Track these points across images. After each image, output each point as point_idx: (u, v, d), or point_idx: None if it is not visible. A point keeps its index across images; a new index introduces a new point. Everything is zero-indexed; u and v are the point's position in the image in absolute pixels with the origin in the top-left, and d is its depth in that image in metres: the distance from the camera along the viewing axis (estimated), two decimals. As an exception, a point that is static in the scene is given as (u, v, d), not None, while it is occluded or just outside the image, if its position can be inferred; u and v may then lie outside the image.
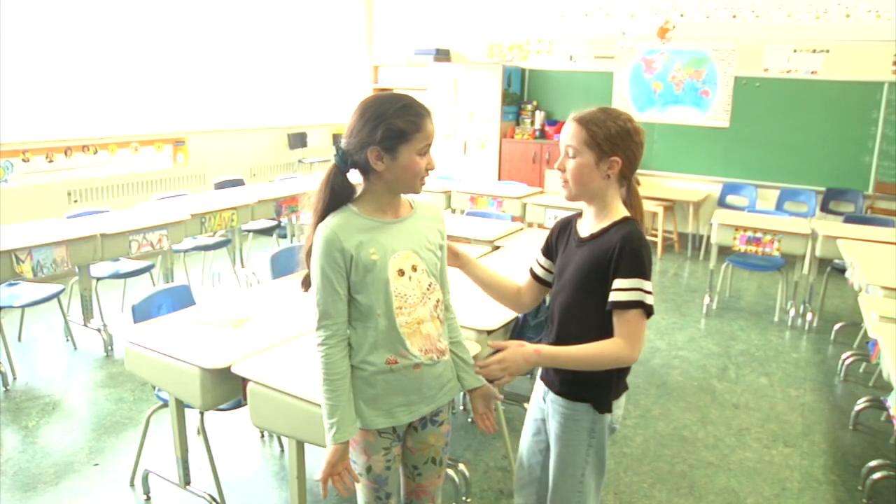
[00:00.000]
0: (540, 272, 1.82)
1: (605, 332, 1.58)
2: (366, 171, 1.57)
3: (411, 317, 1.58)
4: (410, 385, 1.60)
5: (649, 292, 1.54)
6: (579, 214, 1.75)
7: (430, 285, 1.62)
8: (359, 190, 1.61)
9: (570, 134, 1.62)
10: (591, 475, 1.68)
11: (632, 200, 1.67)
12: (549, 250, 1.80)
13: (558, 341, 1.69)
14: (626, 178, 1.65)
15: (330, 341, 1.55)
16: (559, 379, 1.69)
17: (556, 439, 1.70)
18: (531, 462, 1.83)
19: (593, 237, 1.63)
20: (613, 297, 1.53)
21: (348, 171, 1.58)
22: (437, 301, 1.65)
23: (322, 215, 1.57)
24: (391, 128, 1.50)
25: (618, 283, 1.53)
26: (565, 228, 1.76)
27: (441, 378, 1.66)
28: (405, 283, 1.57)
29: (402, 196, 1.65)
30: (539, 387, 1.81)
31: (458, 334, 1.77)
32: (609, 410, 1.66)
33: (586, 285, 1.61)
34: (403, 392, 1.60)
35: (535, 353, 1.55)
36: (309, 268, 1.59)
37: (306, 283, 1.62)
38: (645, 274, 1.54)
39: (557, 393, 1.69)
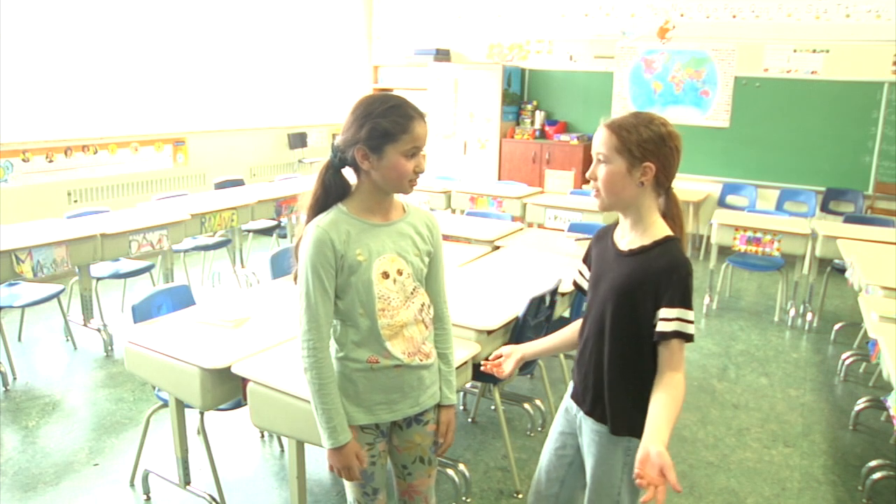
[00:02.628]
0: (585, 284, 1.75)
1: (634, 349, 1.55)
2: (356, 169, 1.57)
3: (394, 319, 1.58)
4: (391, 384, 1.61)
5: (690, 321, 1.51)
6: (616, 223, 1.68)
7: (414, 289, 1.62)
8: (352, 189, 1.61)
9: (600, 141, 1.55)
10: (627, 493, 1.64)
11: (671, 211, 1.60)
12: (589, 258, 1.75)
13: (586, 354, 1.65)
14: (664, 187, 1.57)
15: (318, 345, 1.54)
16: (595, 403, 1.63)
17: (590, 456, 1.66)
18: (551, 476, 1.79)
19: (633, 253, 1.57)
20: (660, 327, 1.50)
21: (341, 167, 1.58)
22: (423, 304, 1.64)
23: (313, 211, 1.58)
24: (376, 127, 1.50)
25: (664, 312, 1.50)
26: (603, 237, 1.70)
27: (424, 381, 1.66)
28: (389, 285, 1.57)
29: (396, 199, 1.64)
30: (570, 401, 1.76)
31: (448, 347, 1.75)
32: None
33: (622, 301, 1.56)
34: (384, 391, 1.61)
35: (659, 454, 1.35)
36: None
37: (296, 277, 1.62)
38: (688, 303, 1.51)
39: (594, 418, 1.64)
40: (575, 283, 1.82)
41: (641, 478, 1.33)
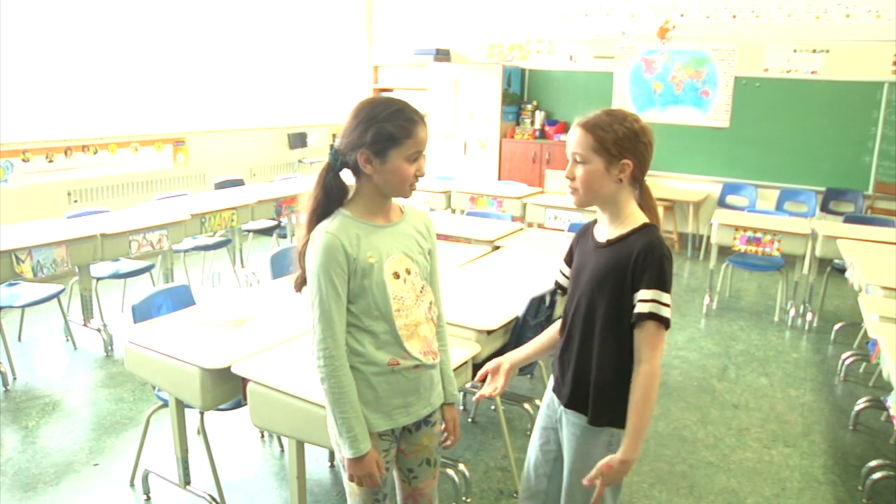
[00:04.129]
0: (566, 283, 1.77)
1: (616, 338, 1.56)
2: (357, 172, 1.57)
3: (409, 319, 1.58)
4: (409, 386, 1.60)
5: (667, 304, 1.50)
6: (596, 220, 1.71)
7: (422, 288, 1.63)
8: (351, 191, 1.60)
9: (575, 141, 1.58)
10: (609, 489, 1.63)
11: (646, 202, 1.63)
12: (571, 257, 1.77)
13: (567, 346, 1.67)
14: (638, 180, 1.61)
15: (336, 353, 1.52)
16: (575, 395, 1.64)
17: (571, 451, 1.67)
18: (539, 472, 1.79)
19: (611, 242, 1.59)
20: (636, 308, 1.51)
21: (340, 170, 1.57)
22: (430, 303, 1.66)
23: (315, 214, 1.57)
24: (381, 131, 1.50)
25: (640, 294, 1.51)
26: (584, 234, 1.73)
27: (434, 379, 1.67)
28: (401, 285, 1.58)
29: (393, 200, 1.64)
30: (551, 396, 1.76)
31: (446, 344, 1.75)
32: None
33: (602, 290, 1.57)
34: (402, 394, 1.60)
35: (622, 462, 1.52)
36: (303, 268, 1.58)
37: (300, 285, 1.61)
38: (664, 286, 1.51)
39: (574, 410, 1.65)
40: (556, 283, 1.83)
41: (593, 480, 1.53)
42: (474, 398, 1.86)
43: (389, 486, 1.69)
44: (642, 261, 1.51)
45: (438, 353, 1.68)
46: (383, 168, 1.52)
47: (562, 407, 1.69)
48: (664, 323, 1.51)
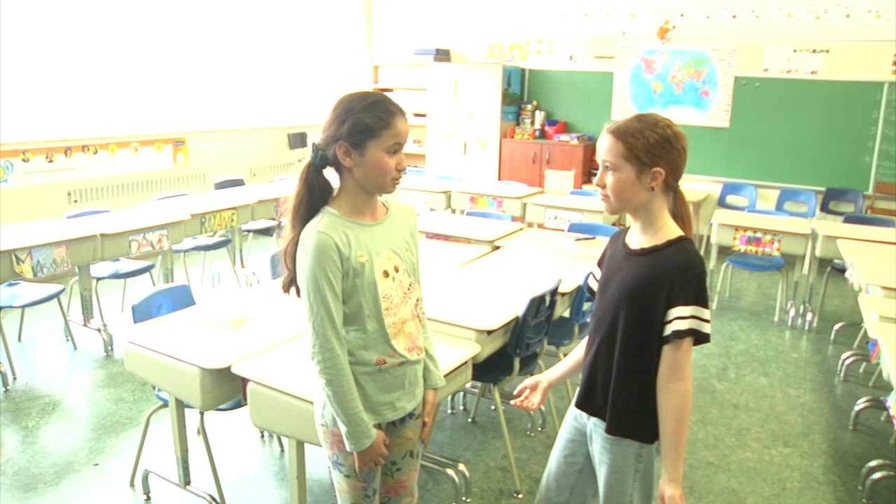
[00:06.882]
0: (596, 287, 1.74)
1: (642, 349, 1.53)
2: (339, 168, 1.56)
3: (397, 317, 1.59)
4: (396, 382, 1.62)
5: (707, 321, 1.48)
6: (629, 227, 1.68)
7: (410, 285, 1.64)
8: (335, 191, 1.60)
9: (605, 148, 1.53)
10: (638, 499, 1.63)
11: (679, 208, 1.59)
12: (603, 262, 1.74)
13: (598, 357, 1.64)
14: (672, 187, 1.57)
15: (340, 351, 1.52)
16: (600, 407, 1.62)
17: (601, 464, 1.65)
18: (561, 483, 1.77)
19: (645, 252, 1.55)
20: (675, 325, 1.47)
21: (322, 166, 1.57)
22: (417, 300, 1.67)
23: (302, 215, 1.57)
24: (358, 122, 1.50)
25: (679, 311, 1.47)
26: (617, 239, 1.69)
27: (419, 374, 1.69)
28: (390, 283, 1.58)
29: (378, 197, 1.64)
30: (578, 410, 1.74)
31: (427, 333, 1.76)
32: (655, 439, 1.58)
33: (631, 301, 1.54)
34: (389, 390, 1.61)
35: (671, 483, 1.51)
36: (291, 271, 1.58)
37: (288, 286, 1.61)
38: (704, 302, 1.48)
39: (598, 417, 1.63)
40: (587, 286, 1.81)
41: None
42: (512, 402, 1.86)
43: (378, 481, 1.71)
44: (682, 277, 1.47)
45: (423, 349, 1.69)
46: (363, 161, 1.52)
47: (591, 420, 1.66)
48: (703, 339, 1.49)
